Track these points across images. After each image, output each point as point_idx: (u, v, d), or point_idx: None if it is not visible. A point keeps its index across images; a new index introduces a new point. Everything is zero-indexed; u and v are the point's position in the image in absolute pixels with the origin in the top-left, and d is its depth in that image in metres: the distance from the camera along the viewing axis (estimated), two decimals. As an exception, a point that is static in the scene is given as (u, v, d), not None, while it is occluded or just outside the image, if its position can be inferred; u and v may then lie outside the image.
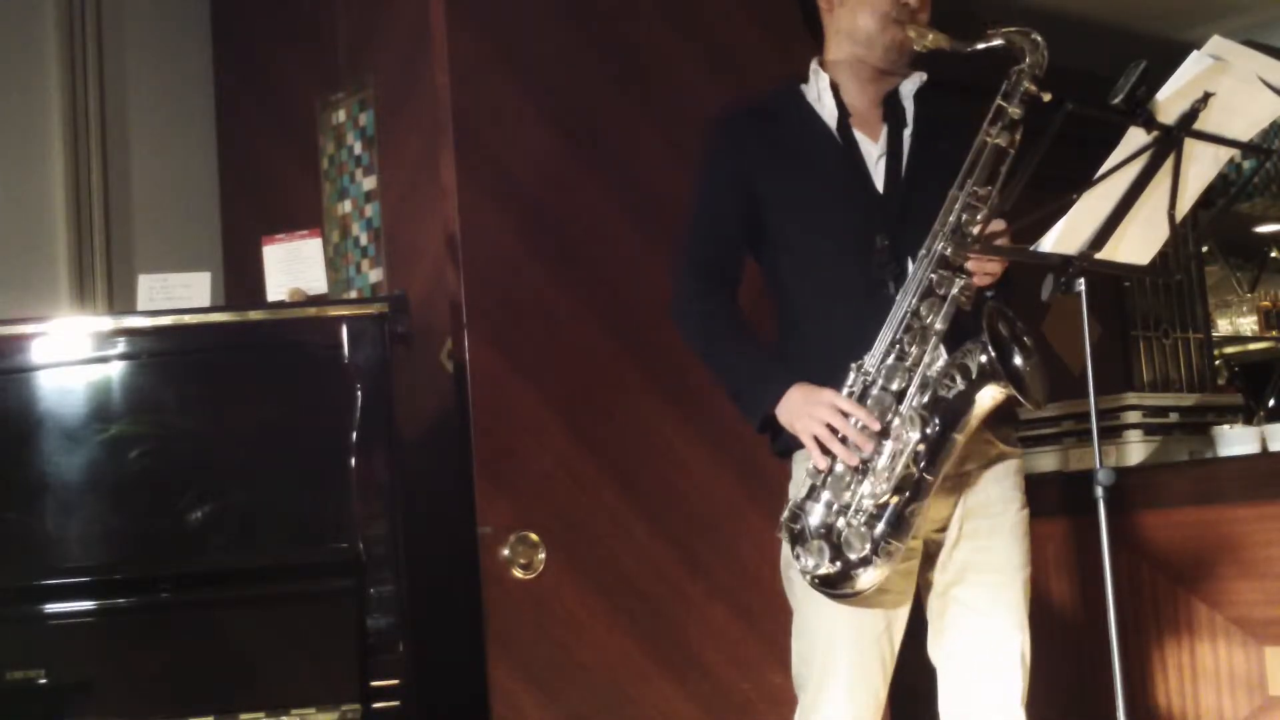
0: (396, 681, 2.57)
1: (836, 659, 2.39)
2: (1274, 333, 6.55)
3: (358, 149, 3.44)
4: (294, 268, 2.92)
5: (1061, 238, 2.22)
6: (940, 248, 2.29)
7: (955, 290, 2.29)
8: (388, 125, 3.35)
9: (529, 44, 3.23)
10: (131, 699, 2.52)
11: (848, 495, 2.29)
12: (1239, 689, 3.18)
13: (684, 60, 3.40)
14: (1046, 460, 3.76)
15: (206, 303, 2.84)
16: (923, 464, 2.25)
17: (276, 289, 2.92)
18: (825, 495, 2.30)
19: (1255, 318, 6.61)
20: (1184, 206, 2.29)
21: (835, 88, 2.51)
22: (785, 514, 2.35)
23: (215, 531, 2.64)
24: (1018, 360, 2.26)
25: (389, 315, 2.70)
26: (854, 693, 2.39)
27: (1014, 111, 2.28)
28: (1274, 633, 3.13)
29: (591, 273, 3.23)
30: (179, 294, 2.83)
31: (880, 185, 2.47)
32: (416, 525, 2.72)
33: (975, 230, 2.28)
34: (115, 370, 2.66)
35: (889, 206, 2.44)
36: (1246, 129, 2.28)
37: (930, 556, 2.45)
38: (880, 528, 2.26)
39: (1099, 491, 2.20)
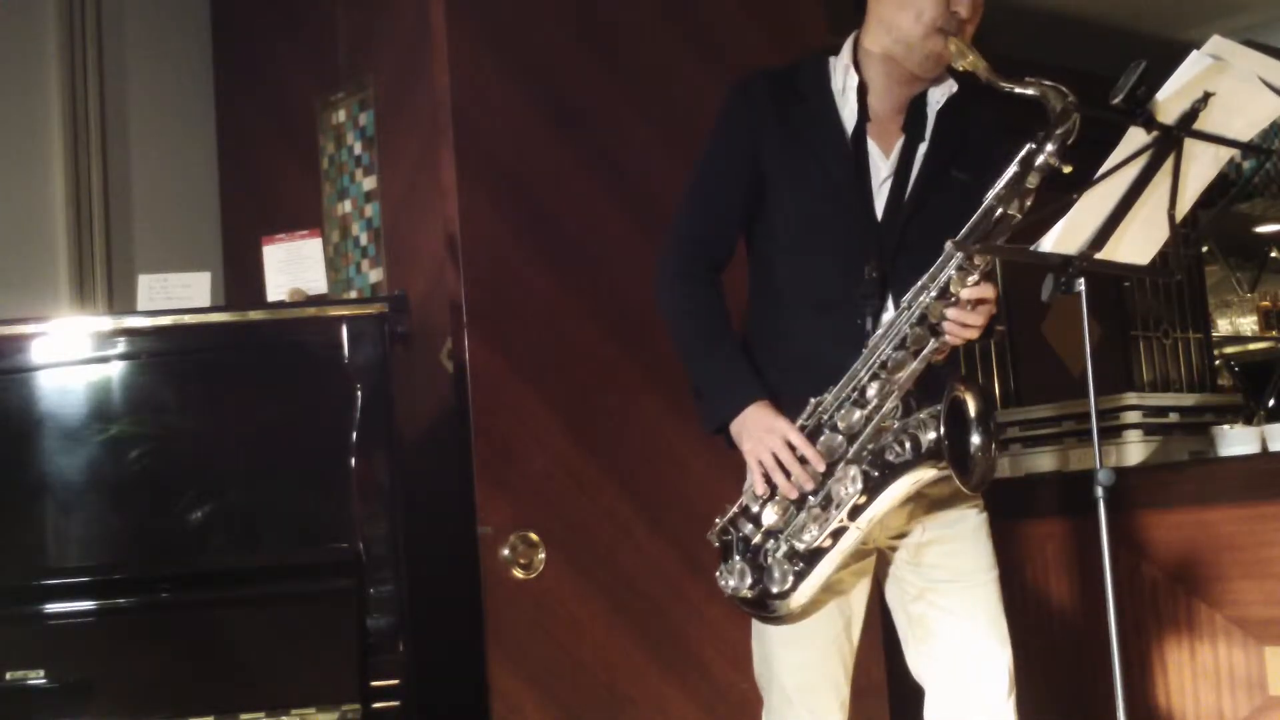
0: (396, 681, 2.57)
1: (794, 661, 2.40)
2: (1274, 333, 6.55)
3: (358, 149, 3.44)
4: (294, 268, 2.92)
5: (1061, 238, 2.22)
6: (924, 304, 2.26)
7: (928, 350, 2.27)
8: (388, 125, 3.35)
9: (529, 44, 3.23)
10: (131, 699, 2.51)
11: (780, 523, 2.30)
12: (1239, 689, 3.19)
13: (684, 60, 3.40)
14: (1046, 460, 3.76)
15: (206, 303, 2.84)
16: (856, 517, 2.26)
17: (276, 289, 2.92)
18: (758, 517, 2.32)
19: (1255, 318, 6.61)
20: (1184, 206, 2.29)
21: (862, 89, 2.42)
22: (718, 523, 2.36)
23: (215, 531, 2.64)
24: (973, 439, 2.22)
25: (389, 315, 2.70)
26: (816, 693, 2.41)
27: (1030, 181, 2.23)
28: (1274, 633, 3.13)
29: (591, 273, 3.23)
30: (179, 294, 2.83)
31: (880, 210, 2.41)
32: (416, 525, 2.72)
33: (962, 293, 2.24)
34: (115, 370, 2.66)
35: (885, 238, 2.39)
36: (1246, 129, 2.28)
37: (887, 563, 2.45)
38: (800, 565, 2.28)
39: (1099, 491, 2.20)
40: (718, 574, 2.34)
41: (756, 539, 2.32)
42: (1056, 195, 2.21)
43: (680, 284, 2.47)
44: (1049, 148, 2.21)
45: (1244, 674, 3.17)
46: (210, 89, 3.99)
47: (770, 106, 2.45)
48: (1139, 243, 2.31)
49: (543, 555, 3.07)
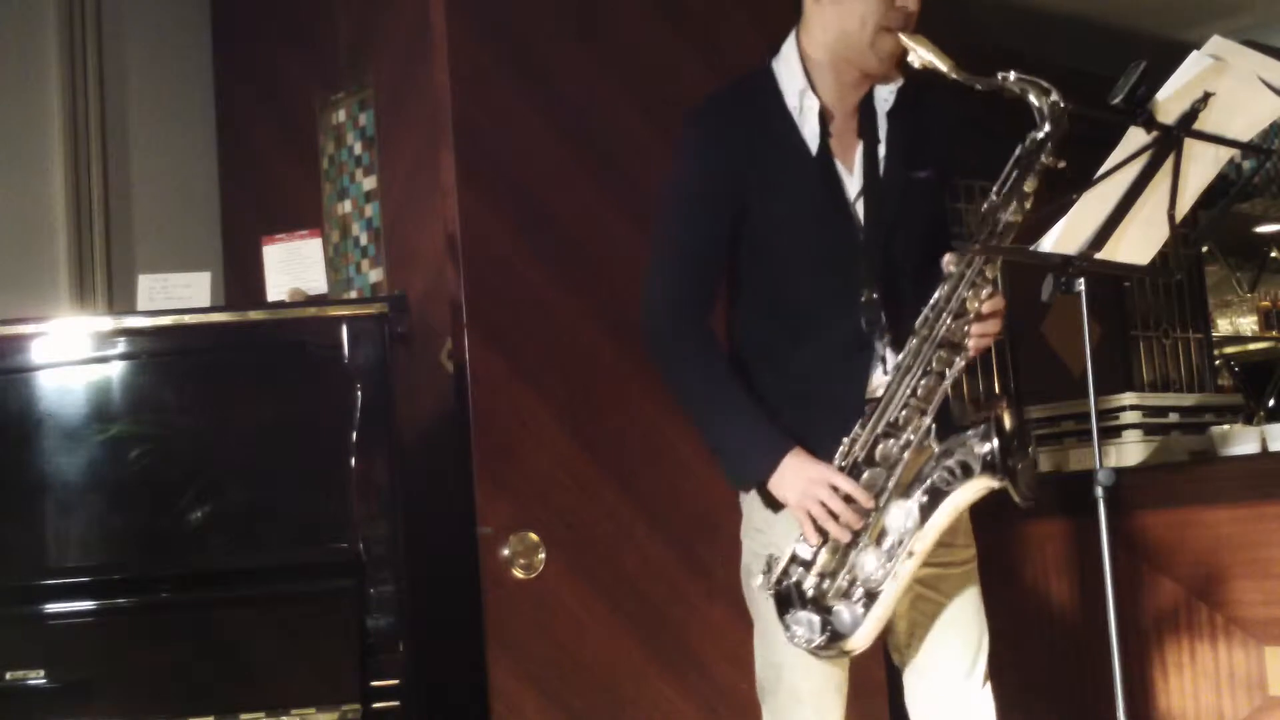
0: (396, 681, 2.57)
1: (800, 666, 2.39)
2: (1274, 333, 6.55)
3: (358, 149, 3.44)
4: (294, 268, 2.92)
5: (1061, 238, 2.22)
6: (946, 325, 2.26)
7: (954, 370, 2.28)
8: (388, 125, 3.35)
9: (529, 44, 3.23)
10: (131, 699, 2.51)
11: (834, 565, 2.29)
12: (1239, 689, 3.18)
13: (684, 60, 3.40)
14: (1046, 460, 3.76)
15: (206, 303, 2.84)
16: (914, 547, 2.26)
17: (276, 289, 2.92)
18: (810, 565, 2.30)
19: (1255, 318, 6.61)
20: (1184, 206, 2.29)
21: (824, 114, 2.36)
22: (770, 572, 2.32)
23: (215, 531, 2.64)
24: (1016, 454, 2.24)
25: (389, 315, 2.70)
26: (821, 697, 2.40)
27: (1028, 186, 2.22)
28: (1274, 633, 3.13)
29: (591, 273, 3.23)
30: (179, 294, 2.83)
31: (861, 224, 2.38)
32: (416, 525, 2.72)
33: (982, 308, 2.26)
34: (115, 370, 2.66)
35: (873, 252, 2.37)
36: (1246, 129, 2.28)
37: None
38: (866, 602, 2.27)
39: (1099, 491, 2.20)
40: (784, 625, 2.31)
41: (814, 585, 2.29)
42: (1056, 195, 2.21)
43: (678, 349, 2.41)
44: (1043, 149, 2.20)
45: (1244, 674, 3.17)
46: (210, 89, 3.99)
47: (735, 132, 2.39)
48: (1139, 243, 2.31)
49: (543, 555, 3.07)
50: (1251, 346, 6.44)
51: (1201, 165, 2.28)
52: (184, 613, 2.59)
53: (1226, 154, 2.32)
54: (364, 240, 3.42)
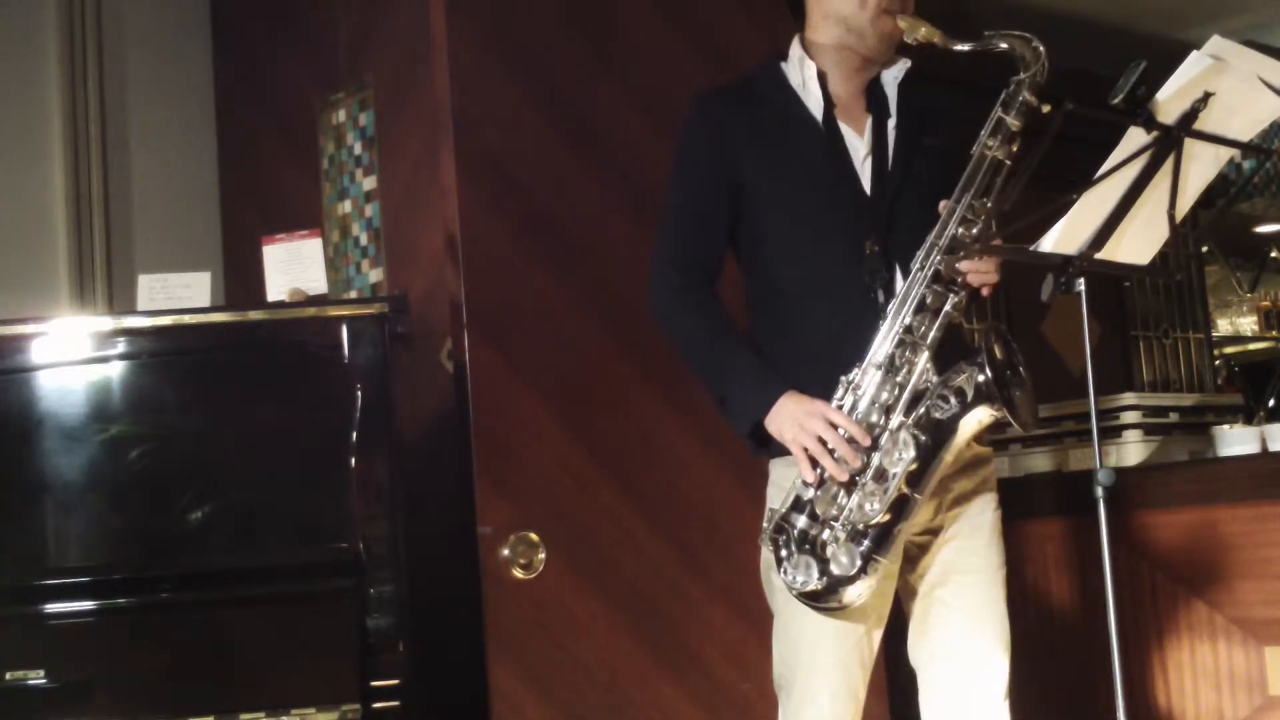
0: (396, 681, 2.57)
1: (819, 663, 2.38)
2: (1274, 333, 6.55)
3: (358, 149, 3.44)
4: (294, 268, 2.92)
5: (1061, 238, 2.22)
6: (936, 262, 2.27)
7: (949, 306, 2.28)
8: (388, 125, 3.35)
9: (529, 44, 3.23)
10: (131, 699, 2.51)
11: (834, 509, 2.26)
12: (1239, 689, 3.18)
13: (683, 59, 3.40)
14: (1046, 460, 3.76)
15: (206, 303, 2.84)
16: (915, 485, 2.24)
17: (276, 289, 2.92)
18: (811, 508, 2.28)
19: (1255, 318, 6.61)
20: (1184, 206, 2.29)
21: (822, 77, 2.45)
22: (769, 523, 2.32)
23: (215, 531, 2.64)
24: (1012, 383, 2.24)
25: (389, 315, 2.70)
26: (836, 696, 2.38)
27: (1013, 123, 2.25)
28: (1274, 633, 3.13)
29: (591, 273, 3.23)
30: (179, 294, 2.83)
31: (868, 186, 2.43)
32: (416, 525, 2.72)
33: (969, 239, 2.26)
34: (115, 370, 2.66)
35: (877, 210, 2.40)
36: (1246, 129, 2.28)
37: (910, 559, 2.44)
38: (866, 544, 2.24)
39: (1099, 491, 2.20)
40: (781, 572, 2.28)
41: (814, 530, 2.27)
42: (1056, 195, 2.21)
43: (680, 296, 2.45)
44: (1024, 88, 2.25)
45: (1244, 674, 3.17)
46: (210, 89, 3.99)
47: (735, 114, 2.46)
48: (1139, 243, 2.31)
49: (543, 555, 3.07)
50: (1251, 346, 6.44)
51: (1201, 165, 2.28)
52: (184, 613, 2.59)
53: (1226, 154, 2.32)
54: (364, 240, 3.42)
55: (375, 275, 3.38)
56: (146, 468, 2.63)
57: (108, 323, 2.71)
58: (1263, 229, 6.36)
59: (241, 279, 3.73)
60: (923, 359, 2.27)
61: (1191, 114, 2.19)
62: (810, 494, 2.28)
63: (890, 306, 2.30)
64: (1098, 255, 2.26)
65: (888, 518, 2.24)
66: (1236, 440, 3.40)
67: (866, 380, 2.28)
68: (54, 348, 2.64)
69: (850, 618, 2.35)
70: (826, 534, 2.26)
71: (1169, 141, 2.19)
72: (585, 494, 3.16)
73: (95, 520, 2.61)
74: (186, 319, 2.70)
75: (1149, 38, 4.99)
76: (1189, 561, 3.26)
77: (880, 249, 2.37)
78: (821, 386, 2.32)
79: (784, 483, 2.36)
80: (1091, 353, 2.29)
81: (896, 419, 2.26)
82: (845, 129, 2.45)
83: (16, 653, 2.50)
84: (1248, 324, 6.62)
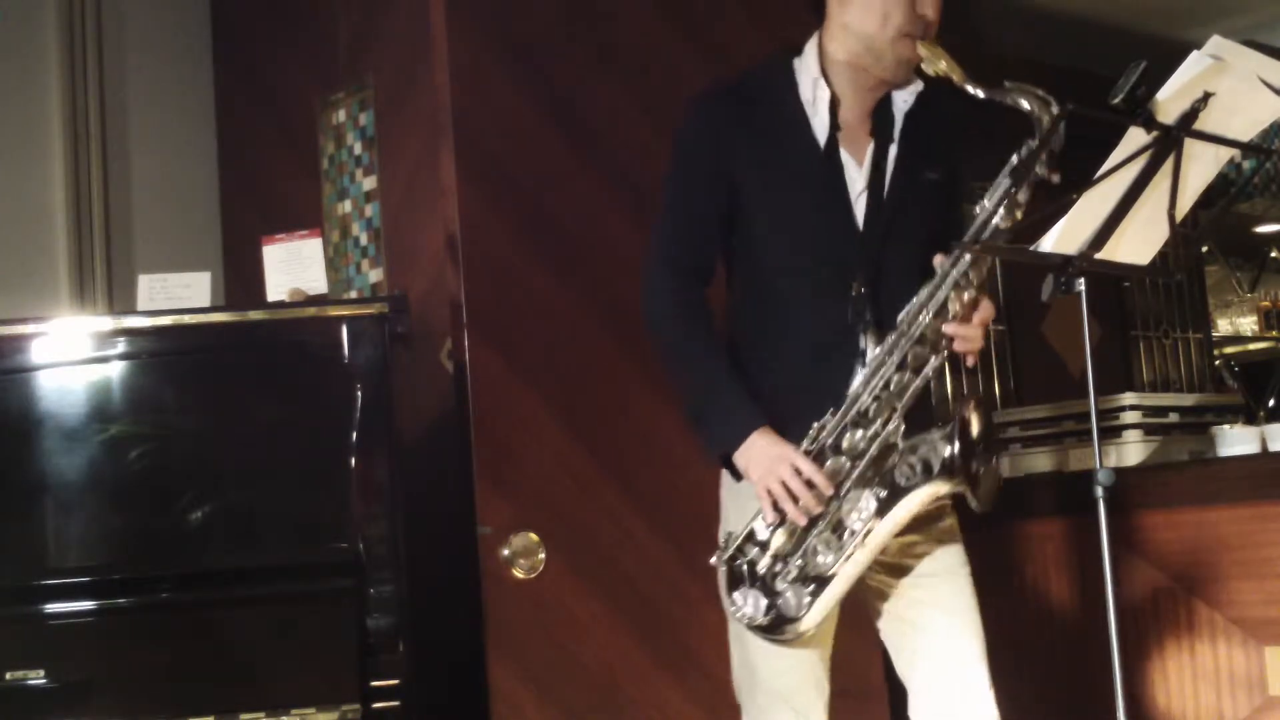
0: (396, 681, 2.57)
1: (782, 668, 2.39)
2: (1274, 333, 6.55)
3: (358, 149, 3.44)
4: (294, 268, 2.92)
5: (1061, 238, 2.22)
6: (923, 324, 2.26)
7: (929, 367, 2.28)
8: (388, 125, 3.35)
9: (529, 44, 3.23)
10: (131, 699, 2.51)
11: (789, 547, 2.30)
12: (1239, 689, 3.18)
13: (684, 59, 3.40)
14: (1046, 460, 3.76)
15: (206, 303, 2.84)
16: (868, 540, 2.27)
17: (276, 289, 2.92)
18: (767, 544, 2.31)
19: (1255, 318, 6.61)
20: (1184, 206, 2.29)
21: (834, 102, 2.38)
22: (725, 547, 2.35)
23: (215, 532, 2.64)
24: (979, 460, 2.24)
25: (389, 315, 2.70)
26: (797, 696, 2.40)
27: (1020, 195, 2.23)
28: (1274, 633, 3.13)
29: (591, 273, 3.23)
30: (179, 294, 2.83)
31: (861, 220, 2.39)
32: (416, 525, 2.72)
33: (958, 307, 2.25)
34: (115, 370, 2.66)
35: (869, 246, 2.38)
36: (1246, 129, 2.28)
37: (870, 571, 2.43)
38: (813, 588, 2.28)
39: (1099, 491, 2.20)
40: (729, 602, 2.33)
41: (765, 565, 2.31)
42: (1056, 195, 2.21)
43: (672, 302, 2.43)
44: (1037, 159, 2.20)
45: (1244, 674, 3.17)
46: (210, 89, 3.99)
47: (734, 116, 2.41)
48: (1139, 243, 2.31)
49: (543, 555, 3.07)
50: (1251, 346, 6.44)
51: (1201, 165, 2.28)
52: (184, 613, 2.59)
53: (1226, 154, 2.32)
54: (364, 240, 3.42)
55: (375, 275, 3.38)
56: (146, 468, 2.63)
57: (108, 323, 2.71)
58: (1263, 229, 6.36)
59: (241, 279, 3.73)
60: (895, 417, 2.28)
61: (1191, 114, 2.19)
62: (766, 533, 2.32)
63: (871, 357, 2.31)
64: (1098, 255, 2.25)
65: (840, 568, 2.27)
66: (1236, 440, 3.40)
67: (838, 429, 2.30)
68: (54, 348, 2.64)
69: (803, 644, 2.37)
70: (780, 569, 2.30)
71: (1169, 141, 2.19)
72: (585, 494, 3.16)
73: (95, 520, 2.61)
74: (186, 319, 2.70)
75: (1149, 38, 4.99)
76: (1189, 561, 3.26)
77: (867, 290, 2.35)
78: (789, 414, 2.33)
79: (745, 505, 2.37)
80: (1091, 353, 2.29)
81: (860, 473, 2.28)
82: (847, 158, 2.41)
83: (16, 653, 2.50)
84: (1248, 324, 6.61)
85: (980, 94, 2.21)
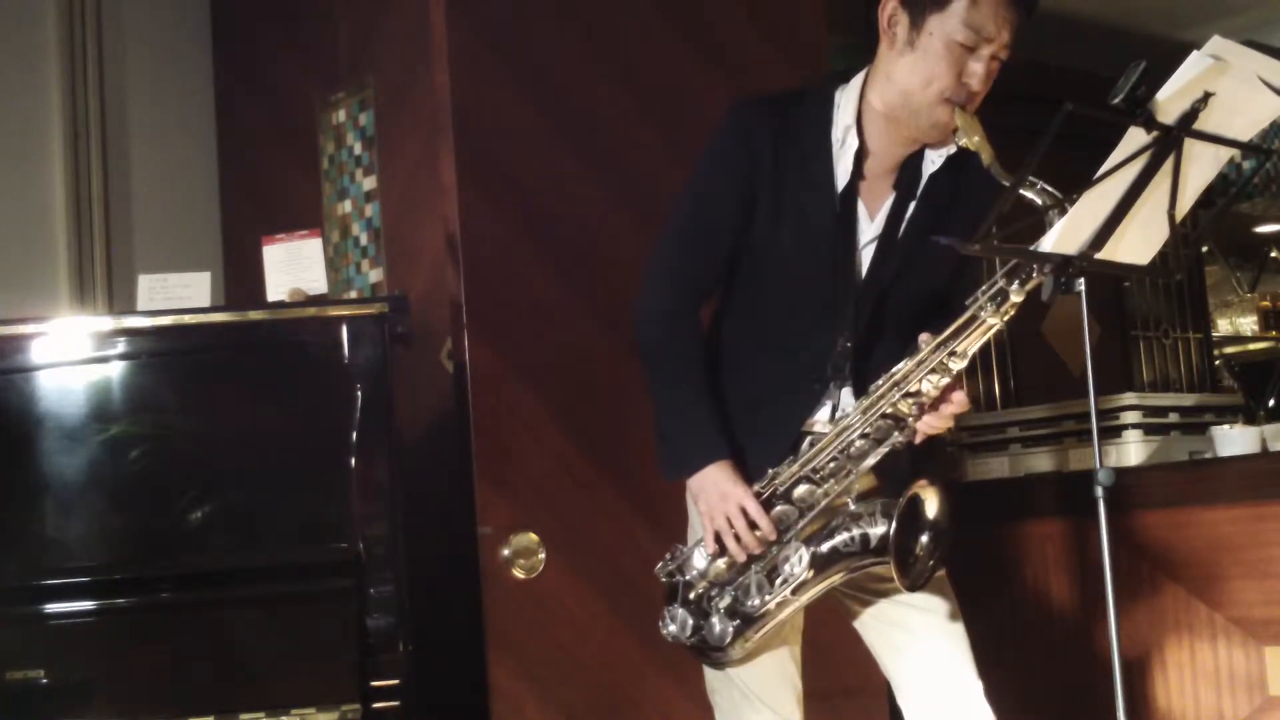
0: (396, 681, 2.57)
1: (746, 668, 2.41)
2: (1274, 333, 6.55)
3: (358, 149, 3.44)
4: (294, 268, 2.92)
5: (1061, 238, 2.22)
6: (894, 400, 2.25)
7: (891, 440, 2.27)
8: (388, 125, 3.35)
9: (529, 44, 3.23)
10: (131, 699, 2.51)
11: (725, 577, 2.34)
12: (1239, 689, 3.19)
13: (683, 59, 3.40)
14: (1045, 460, 3.76)
15: (206, 303, 2.84)
16: (799, 593, 2.30)
17: (276, 289, 2.92)
18: (705, 569, 2.35)
19: (1255, 318, 6.61)
20: (1184, 206, 2.29)
21: (861, 154, 2.35)
22: (667, 564, 2.39)
23: (215, 531, 2.64)
24: (916, 547, 2.25)
25: (389, 315, 2.70)
26: (769, 694, 2.42)
27: (1015, 295, 2.22)
28: (1274, 633, 3.13)
29: (591, 273, 3.23)
30: (179, 294, 2.83)
31: (864, 272, 2.38)
32: (416, 525, 2.72)
33: (931, 391, 2.24)
34: (115, 370, 2.66)
35: (863, 303, 2.36)
36: (1246, 129, 2.27)
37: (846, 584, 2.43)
38: (739, 624, 2.31)
39: (1099, 491, 2.20)
40: (660, 619, 2.37)
41: (700, 589, 2.35)
42: (1056, 195, 2.20)
43: (667, 321, 2.42)
44: (1036, 270, 2.20)
45: (1244, 674, 3.17)
46: (210, 89, 3.99)
47: (768, 140, 2.37)
48: (1139, 243, 2.31)
49: (543, 555, 3.07)
50: (1251, 346, 6.43)
51: (1201, 165, 2.28)
52: (184, 613, 2.59)
53: (1226, 154, 2.32)
54: (364, 240, 3.42)
55: (375, 275, 3.38)
56: (146, 468, 2.63)
57: (108, 323, 2.71)
58: (1263, 229, 6.35)
59: (241, 279, 3.74)
60: (848, 483, 2.29)
61: (1191, 114, 2.18)
62: (705, 561, 2.35)
63: (839, 415, 2.33)
64: (1098, 255, 2.25)
65: (768, 610, 2.31)
66: (1236, 440, 3.40)
67: (791, 480, 2.31)
68: (54, 348, 2.64)
69: (770, 646, 2.40)
70: (714, 595, 2.34)
71: (1169, 142, 2.19)
72: (585, 494, 3.16)
73: (95, 520, 2.61)
74: (186, 319, 2.70)
75: (1149, 38, 5.00)
76: (1189, 562, 3.27)
77: (852, 345, 2.35)
78: (743, 435, 2.36)
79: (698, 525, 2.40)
80: (1091, 353, 2.29)
81: (804, 527, 2.30)
82: (860, 207, 2.38)
83: (16, 653, 2.50)
84: (1248, 324, 6.61)
85: (1005, 182, 2.16)
